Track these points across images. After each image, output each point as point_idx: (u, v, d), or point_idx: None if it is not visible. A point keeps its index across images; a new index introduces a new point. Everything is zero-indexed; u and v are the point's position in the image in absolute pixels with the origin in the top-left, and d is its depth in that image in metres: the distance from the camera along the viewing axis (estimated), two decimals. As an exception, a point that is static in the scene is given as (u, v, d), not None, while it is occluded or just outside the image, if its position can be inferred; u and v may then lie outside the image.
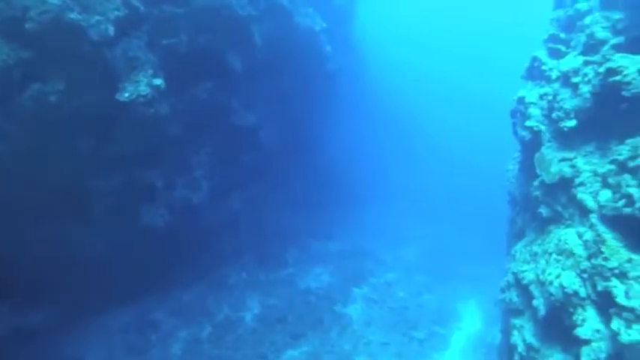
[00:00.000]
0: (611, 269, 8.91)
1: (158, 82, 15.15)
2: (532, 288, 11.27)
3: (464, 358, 18.88)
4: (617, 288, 8.59)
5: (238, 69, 19.62)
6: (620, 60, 10.71)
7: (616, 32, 12.01)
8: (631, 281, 8.42)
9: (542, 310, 10.65)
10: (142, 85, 14.73)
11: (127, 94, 14.38)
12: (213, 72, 18.82)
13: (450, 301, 22.82)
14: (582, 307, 9.52)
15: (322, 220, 28.26)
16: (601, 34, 12.27)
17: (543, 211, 12.26)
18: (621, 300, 8.38)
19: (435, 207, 35.55)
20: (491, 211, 22.19)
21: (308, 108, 26.50)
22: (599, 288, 9.07)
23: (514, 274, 12.45)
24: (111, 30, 13.82)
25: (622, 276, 8.66)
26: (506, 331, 12.31)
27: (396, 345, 18.92)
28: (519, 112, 14.41)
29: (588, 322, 9.21)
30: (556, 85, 13.01)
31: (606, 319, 8.76)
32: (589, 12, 13.49)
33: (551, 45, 14.54)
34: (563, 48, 14.04)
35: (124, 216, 16.94)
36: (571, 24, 14.37)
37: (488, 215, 24.03)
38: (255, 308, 20.42)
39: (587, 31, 12.79)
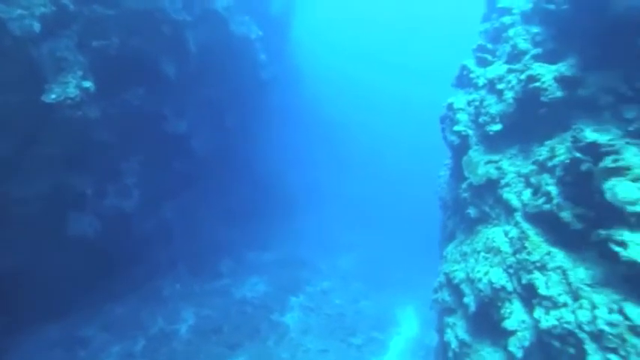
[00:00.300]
0: (533, 263, 9.58)
1: (87, 84, 14.67)
2: (463, 286, 11.81)
3: None
4: (539, 279, 9.24)
5: (171, 75, 19.33)
6: (539, 69, 11.66)
7: (535, 44, 13.03)
8: (550, 272, 9.08)
9: (472, 307, 11.19)
10: (71, 87, 14.21)
11: (53, 96, 13.79)
12: (145, 77, 18.42)
13: (387, 307, 23.38)
14: (509, 300, 10.14)
15: (257, 229, 28.19)
16: (523, 45, 13.26)
17: (472, 211, 12.95)
18: (542, 290, 9.02)
19: (370, 214, 36.45)
20: (424, 217, 23.03)
21: (241, 116, 26.47)
22: (524, 281, 9.72)
23: (445, 274, 13.01)
24: (36, 26, 13.22)
25: (542, 268, 9.33)
26: (441, 330, 12.81)
27: (334, 352, 19.14)
28: (448, 118, 15.19)
29: (514, 314, 9.82)
30: (483, 92, 13.86)
31: (530, 309, 9.37)
32: (512, 25, 14.57)
33: (479, 54, 15.49)
34: (489, 57, 15.01)
35: (50, 224, 16.07)
36: (497, 35, 15.41)
37: (422, 221, 24.92)
38: (190, 319, 20.03)
39: (511, 42, 13.78)
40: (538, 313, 8.91)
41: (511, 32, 14.17)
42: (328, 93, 43.93)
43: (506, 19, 14.93)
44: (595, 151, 8.57)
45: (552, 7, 11.93)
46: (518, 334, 9.48)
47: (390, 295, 24.28)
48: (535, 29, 13.25)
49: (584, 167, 8.72)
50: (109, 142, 17.33)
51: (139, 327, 18.76)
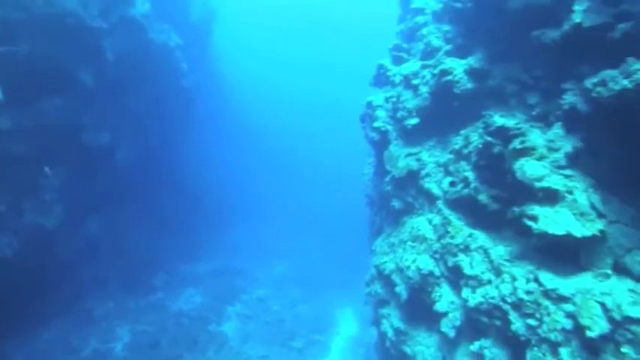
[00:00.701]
0: (457, 246, 10.28)
1: (-5, 92, 13.89)
2: (393, 276, 12.35)
3: None
4: (464, 261, 9.93)
5: (89, 84, 18.56)
6: (450, 63, 12.52)
7: (447, 41, 13.98)
8: (473, 253, 9.79)
9: (404, 295, 11.74)
10: (-23, 94, 13.41)
11: (-44, 104, 12.92)
12: (61, 86, 17.55)
13: (325, 309, 23.78)
14: (438, 284, 10.79)
15: (190, 240, 27.71)
16: (435, 42, 14.17)
17: (396, 204, 13.60)
18: (467, 270, 9.70)
19: (303, 218, 36.83)
20: (356, 216, 23.67)
21: (166, 126, 25.90)
22: (450, 264, 10.39)
23: (376, 267, 13.53)
24: None
25: (466, 250, 10.03)
26: (377, 323, 13.27)
27: (275, 357, 19.25)
28: (368, 116, 15.84)
29: (444, 297, 10.47)
30: (399, 88, 14.61)
31: (458, 290, 10.03)
32: (425, 24, 15.52)
33: (395, 53, 16.31)
34: (405, 55, 15.87)
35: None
36: (412, 35, 16.34)
37: (353, 220, 25.56)
38: (125, 337, 19.32)
39: (425, 40, 14.69)
40: (465, 292, 9.57)
41: (424, 31, 15.09)
42: (252, 98, 44.20)
43: (420, 19, 15.87)
44: (504, 135, 9.39)
45: (459, 5, 12.90)
46: (449, 315, 10.12)
47: (328, 298, 24.72)
48: (446, 27, 14.23)
49: (495, 150, 9.52)
50: (25, 155, 16.36)
51: (70, 351, 17.80)
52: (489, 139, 9.62)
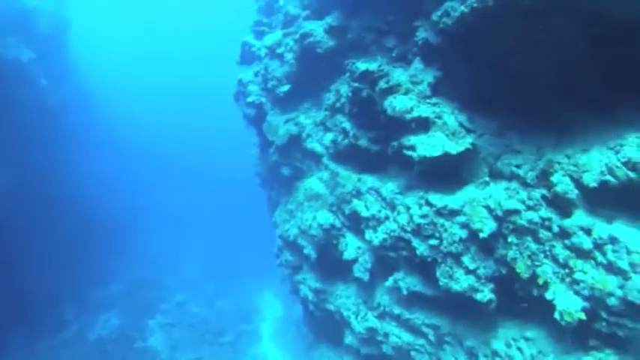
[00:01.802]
0: (349, 192, 10.42)
1: None
2: (299, 240, 12.24)
3: (278, 342, 19.56)
4: (359, 205, 10.10)
5: None
6: (309, 25, 12.49)
7: (304, 7, 13.88)
8: (366, 195, 10.00)
9: (313, 255, 11.70)
10: None
11: None
12: None
13: (245, 298, 23.42)
14: (342, 235, 10.89)
15: (94, 264, 25.53)
16: (294, 10, 14.04)
17: (285, 171, 13.52)
18: (364, 213, 9.88)
19: (202, 215, 35.73)
20: (254, 202, 23.31)
21: (37, 147, 23.32)
22: (347, 212, 10.52)
23: (280, 236, 13.38)
24: None
25: (358, 194, 10.20)
26: (296, 291, 13.20)
27: (209, 356, 18.58)
28: (241, 93, 15.51)
29: (350, 245, 10.60)
30: (266, 60, 14.40)
31: (361, 235, 10.21)
32: (280, -4, 15.35)
33: (256, 28, 16.02)
34: (266, 29, 15.63)
35: None
36: (270, 9, 16.13)
37: (253, 206, 25.18)
38: (48, 383, 17.36)
39: (283, 11, 14.52)
40: (368, 234, 9.74)
41: (281, 1, 14.98)
42: (124, 105, 41.46)
43: (274, -8, 15.68)
44: (369, 79, 9.57)
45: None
46: (359, 259, 10.27)
47: (245, 287, 24.37)
48: (301, -5, 14.15)
49: (364, 94, 9.71)
50: None
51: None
52: (356, 84, 9.78)
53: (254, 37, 16.28)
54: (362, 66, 9.58)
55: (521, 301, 7.21)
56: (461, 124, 8.35)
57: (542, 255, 6.65)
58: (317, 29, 12.22)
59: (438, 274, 8.00)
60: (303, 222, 11.75)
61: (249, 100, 14.46)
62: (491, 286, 7.45)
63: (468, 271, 7.68)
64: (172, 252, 30.39)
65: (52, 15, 26.34)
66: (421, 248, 8.31)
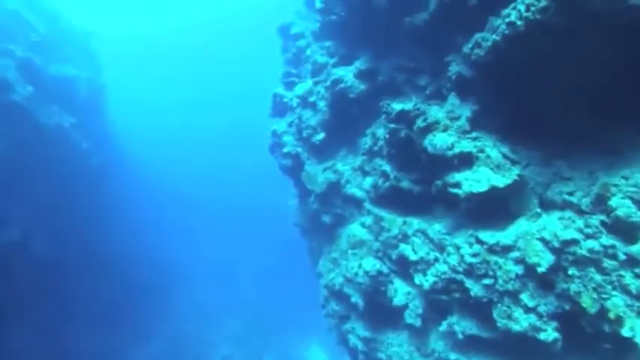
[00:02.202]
0: (395, 237, 10.26)
1: None
2: (345, 289, 12.05)
3: None
4: (406, 249, 9.90)
5: None
6: (339, 72, 12.80)
7: (330, 55, 14.29)
8: (412, 238, 9.82)
9: (361, 303, 11.46)
10: None
11: None
12: None
13: (292, 352, 22.92)
14: (390, 281, 10.66)
15: (136, 323, 25.74)
16: (321, 59, 14.45)
17: (326, 219, 13.47)
18: (412, 257, 9.68)
19: (243, 269, 35.76)
20: (295, 252, 23.20)
21: (82, 208, 24.24)
22: (394, 257, 10.32)
23: (326, 286, 13.19)
24: None
25: (405, 238, 10.04)
26: (344, 341, 12.85)
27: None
28: (276, 145, 15.76)
29: (399, 290, 10.34)
30: (299, 110, 14.70)
31: (410, 279, 9.96)
32: (308, 46, 15.85)
33: (286, 80, 16.49)
34: (296, 80, 16.07)
35: None
36: (298, 59, 16.66)
37: (294, 257, 25.05)
38: None
39: (311, 60, 14.96)
40: (418, 278, 9.49)
41: (308, 52, 15.47)
42: (161, 163, 42.89)
43: (302, 42, 16.25)
44: (406, 118, 9.63)
45: (334, 17, 13.31)
46: (410, 305, 9.98)
47: (291, 340, 23.91)
48: (327, 43, 14.57)
49: (402, 134, 9.72)
50: None
51: None
52: (393, 125, 9.81)
53: (284, 88, 16.72)
54: (397, 106, 9.65)
55: (589, 338, 6.77)
56: (505, 156, 8.20)
57: (609, 286, 6.29)
58: (347, 75, 12.49)
59: (494, 314, 7.67)
60: (349, 270, 11.59)
61: (285, 150, 14.68)
62: (554, 324, 7.05)
63: (528, 310, 7.32)
64: (214, 305, 30.32)
65: (89, 82, 27.86)
66: (475, 289, 8.02)
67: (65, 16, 28.63)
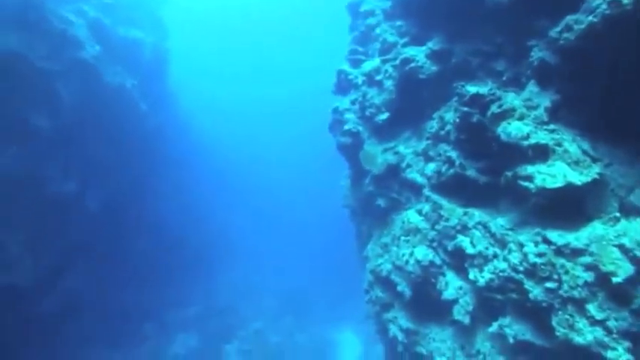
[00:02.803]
0: (453, 227, 9.85)
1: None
2: (392, 276, 11.81)
3: None
4: (464, 241, 9.49)
5: (46, 130, 17.69)
6: (410, 51, 12.38)
7: (401, 34, 13.86)
8: (472, 230, 9.38)
9: (407, 293, 11.19)
10: None
11: None
12: (16, 134, 16.69)
13: (324, 334, 23.11)
14: (441, 273, 10.29)
15: (175, 285, 26.57)
16: (391, 38, 14.07)
17: (381, 202, 13.17)
18: (470, 250, 9.25)
19: (286, 248, 36.07)
20: (340, 236, 23.11)
21: (134, 169, 25.07)
22: (450, 248, 9.93)
23: (372, 271, 12.97)
24: None
25: (464, 229, 9.61)
26: (383, 330, 12.63)
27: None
28: (336, 122, 15.52)
29: (450, 284, 9.96)
30: (364, 88, 14.37)
31: (464, 273, 9.55)
32: (378, 24, 15.45)
33: (352, 57, 16.15)
34: (363, 57, 15.69)
35: None
36: (366, 38, 16.28)
37: (338, 241, 25.00)
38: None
39: (380, 39, 14.59)
40: (473, 273, 9.08)
41: (378, 30, 15.06)
42: (216, 133, 43.74)
43: (371, 20, 15.84)
44: (480, 103, 9.13)
45: (408, -6, 12.82)
46: (460, 300, 9.60)
47: (324, 322, 24.02)
48: (398, 22, 14.15)
49: (474, 119, 9.25)
50: None
51: None
52: (466, 109, 9.34)
53: (350, 65, 16.37)
54: (472, 89, 9.18)
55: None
56: (585, 152, 7.65)
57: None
58: (418, 54, 12.08)
59: (554, 322, 7.18)
60: (399, 257, 11.31)
61: (346, 127, 14.40)
62: (627, 343, 6.47)
63: (595, 322, 6.79)
64: (251, 281, 30.77)
65: (154, 46, 28.50)
66: (535, 291, 7.54)
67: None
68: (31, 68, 16.87)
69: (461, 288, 9.74)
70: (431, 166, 11.18)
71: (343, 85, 16.18)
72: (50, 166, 18.46)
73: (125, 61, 24.40)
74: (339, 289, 26.73)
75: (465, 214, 9.69)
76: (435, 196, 10.83)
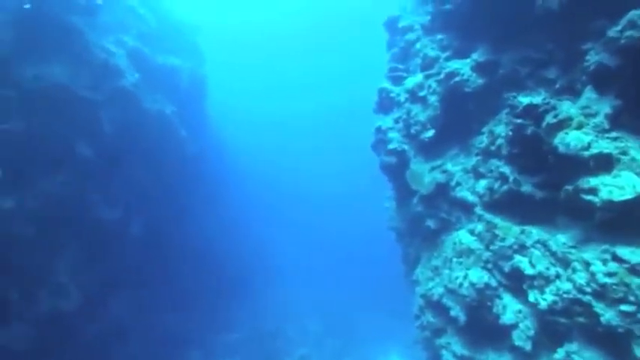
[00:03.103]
0: (510, 247, 9.28)
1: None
2: (445, 300, 11.27)
3: None
4: (522, 262, 8.90)
5: (90, 158, 18.18)
6: (454, 64, 12.03)
7: (443, 49, 13.51)
8: (530, 249, 8.79)
9: (462, 317, 10.63)
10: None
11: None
12: (62, 162, 17.17)
13: (371, 359, 22.34)
14: (498, 296, 9.70)
15: (218, 310, 26.51)
16: (432, 52, 13.74)
17: (430, 223, 12.68)
18: (529, 271, 8.66)
19: (328, 271, 35.63)
20: (383, 259, 22.64)
21: (176, 195, 25.42)
22: (507, 269, 9.35)
23: (422, 296, 12.44)
24: None
25: (521, 249, 9.03)
26: (435, 357, 12.01)
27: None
28: (380, 142, 15.20)
29: (508, 307, 9.35)
30: (407, 105, 14.03)
31: (522, 296, 8.94)
32: (418, 40, 15.16)
33: (392, 74, 15.90)
34: (404, 74, 15.40)
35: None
36: (405, 54, 16.02)
37: (381, 264, 24.49)
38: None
39: (421, 55, 14.25)
40: (533, 295, 8.49)
41: (418, 45, 14.74)
42: (256, 159, 44.19)
43: (411, 36, 15.58)
44: (534, 114, 8.65)
45: (449, 6, 12.51)
46: (520, 324, 8.98)
47: (370, 347, 23.33)
48: (439, 36, 13.80)
49: (529, 131, 8.75)
50: (32, 237, 15.71)
51: None
52: (519, 121, 8.85)
53: (391, 83, 16.10)
54: (525, 100, 8.73)
55: None
56: (655, 161, 7.01)
57: None
58: (463, 67, 11.74)
59: (636, 350, 6.49)
60: (452, 280, 10.78)
61: (391, 147, 14.06)
62: None
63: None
64: (295, 304, 30.41)
65: (191, 72, 29.13)
66: (607, 315, 6.90)
67: (174, 10, 30.27)
68: (74, 97, 17.40)
69: (520, 311, 9.13)
70: (482, 183, 10.67)
71: (385, 104, 15.90)
72: (95, 192, 18.86)
73: (164, 88, 24.97)
74: (385, 310, 26.03)
75: (522, 232, 9.12)
76: (488, 215, 10.31)
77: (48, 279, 16.40)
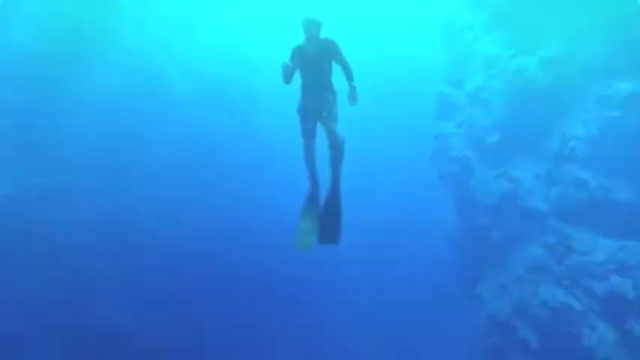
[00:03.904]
0: (600, 264, 8.12)
1: None
2: (513, 320, 10.15)
3: None
4: (622, 283, 7.70)
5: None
6: (520, 62, 10.98)
7: (506, 46, 12.39)
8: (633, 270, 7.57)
9: (532, 339, 9.48)
10: None
11: None
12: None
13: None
14: (580, 318, 8.53)
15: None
16: (494, 51, 12.60)
17: (496, 235, 11.53)
18: (629, 295, 7.45)
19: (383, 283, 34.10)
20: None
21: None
22: (599, 292, 8.15)
23: (488, 315, 11.29)
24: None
25: (619, 268, 7.82)
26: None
27: None
28: (440, 149, 14.17)
29: (591, 330, 8.17)
30: (468, 109, 13.00)
31: (609, 320, 7.78)
32: (476, 39, 14.03)
33: (451, 77, 14.85)
34: (463, 77, 14.33)
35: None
36: (464, 56, 14.83)
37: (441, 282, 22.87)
38: None
39: (481, 54, 13.16)
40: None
41: (478, 45, 13.65)
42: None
43: (469, 36, 14.46)
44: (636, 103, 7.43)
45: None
46: (601, 350, 7.81)
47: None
48: (500, 33, 12.71)
49: (632, 125, 7.53)
50: None
51: None
52: (615, 114, 7.65)
53: (450, 86, 15.05)
54: (625, 87, 7.48)
55: None
56: None
57: None
58: (529, 64, 10.57)
59: None
60: (521, 298, 9.62)
61: (452, 154, 13.02)
62: None
63: None
64: (353, 320, 28.87)
65: (244, 82, 28.98)
66: None
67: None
68: (128, 108, 17.41)
69: (603, 338, 7.92)
70: (556, 191, 9.54)
71: (446, 109, 14.83)
72: (145, 208, 18.70)
73: (217, 98, 24.85)
74: (439, 327, 24.33)
75: (621, 248, 7.88)
76: (563, 225, 9.16)
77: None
